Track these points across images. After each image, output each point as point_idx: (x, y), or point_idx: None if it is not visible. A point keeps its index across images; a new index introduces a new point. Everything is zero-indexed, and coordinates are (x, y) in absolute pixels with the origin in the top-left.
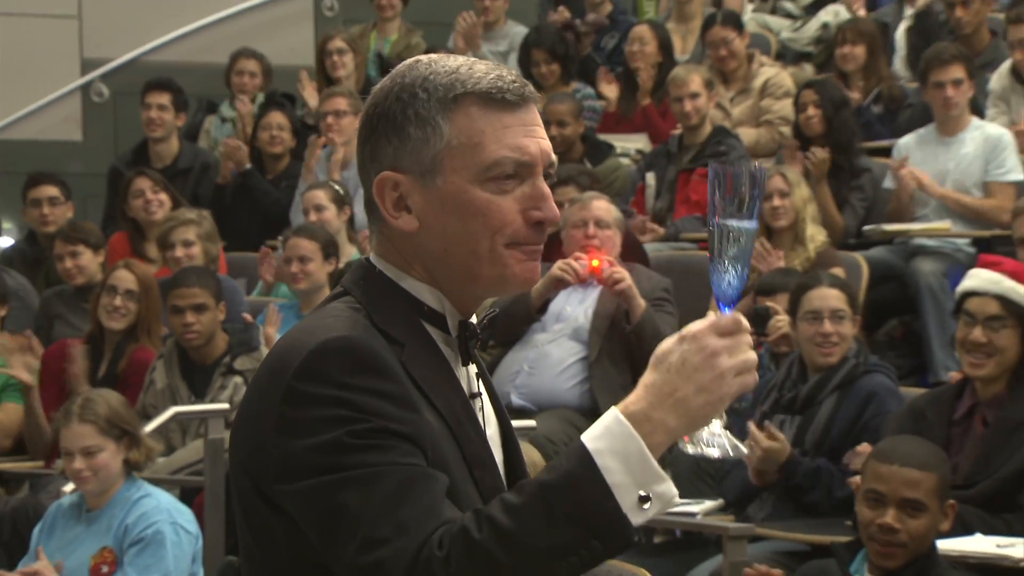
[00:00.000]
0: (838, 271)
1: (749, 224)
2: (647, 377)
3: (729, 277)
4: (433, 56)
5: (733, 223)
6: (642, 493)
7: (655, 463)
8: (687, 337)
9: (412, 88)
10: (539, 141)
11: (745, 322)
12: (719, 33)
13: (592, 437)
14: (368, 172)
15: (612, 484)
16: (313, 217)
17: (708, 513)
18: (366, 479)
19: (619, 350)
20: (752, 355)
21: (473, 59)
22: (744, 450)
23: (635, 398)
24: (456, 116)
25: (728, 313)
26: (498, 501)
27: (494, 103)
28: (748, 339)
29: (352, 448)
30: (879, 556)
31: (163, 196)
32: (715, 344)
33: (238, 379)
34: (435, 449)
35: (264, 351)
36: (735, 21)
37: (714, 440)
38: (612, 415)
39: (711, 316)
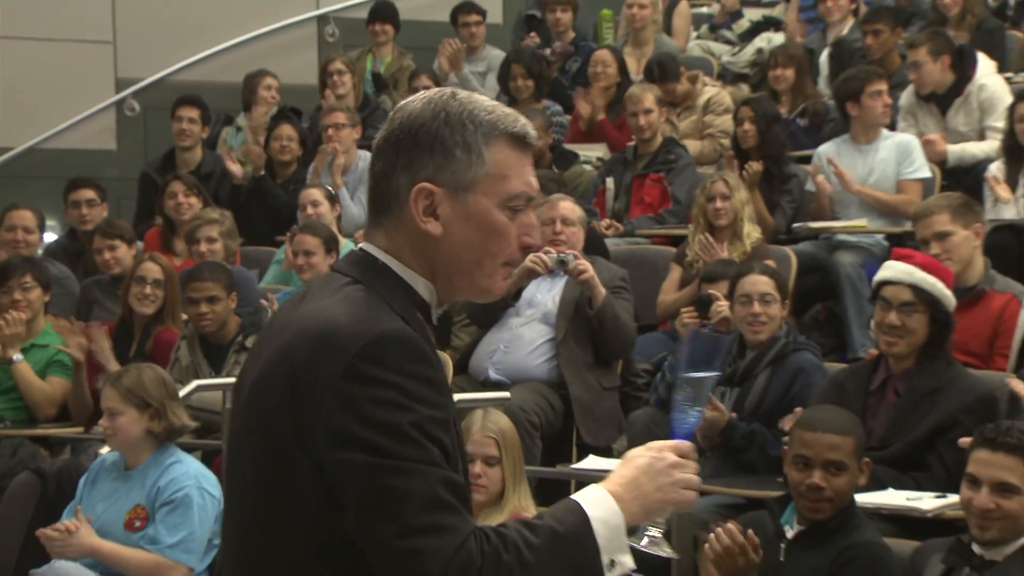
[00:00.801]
0: (770, 263)
1: (713, 373)
2: (619, 469)
3: (689, 418)
4: (465, 92)
5: (700, 375)
6: (612, 558)
7: (626, 538)
8: (654, 448)
9: (460, 118)
10: (536, 180)
11: (695, 452)
12: (660, 89)
13: (589, 504)
14: (397, 176)
15: (600, 547)
16: (310, 211)
17: None
18: (413, 472)
19: (583, 332)
20: (696, 478)
21: (495, 102)
22: (675, 555)
23: (612, 483)
24: (493, 149)
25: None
26: (518, 535)
27: (521, 144)
28: (696, 466)
29: (407, 439)
30: (809, 511)
31: (193, 199)
32: (675, 459)
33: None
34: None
35: None
36: (672, 74)
37: (657, 541)
38: (601, 491)
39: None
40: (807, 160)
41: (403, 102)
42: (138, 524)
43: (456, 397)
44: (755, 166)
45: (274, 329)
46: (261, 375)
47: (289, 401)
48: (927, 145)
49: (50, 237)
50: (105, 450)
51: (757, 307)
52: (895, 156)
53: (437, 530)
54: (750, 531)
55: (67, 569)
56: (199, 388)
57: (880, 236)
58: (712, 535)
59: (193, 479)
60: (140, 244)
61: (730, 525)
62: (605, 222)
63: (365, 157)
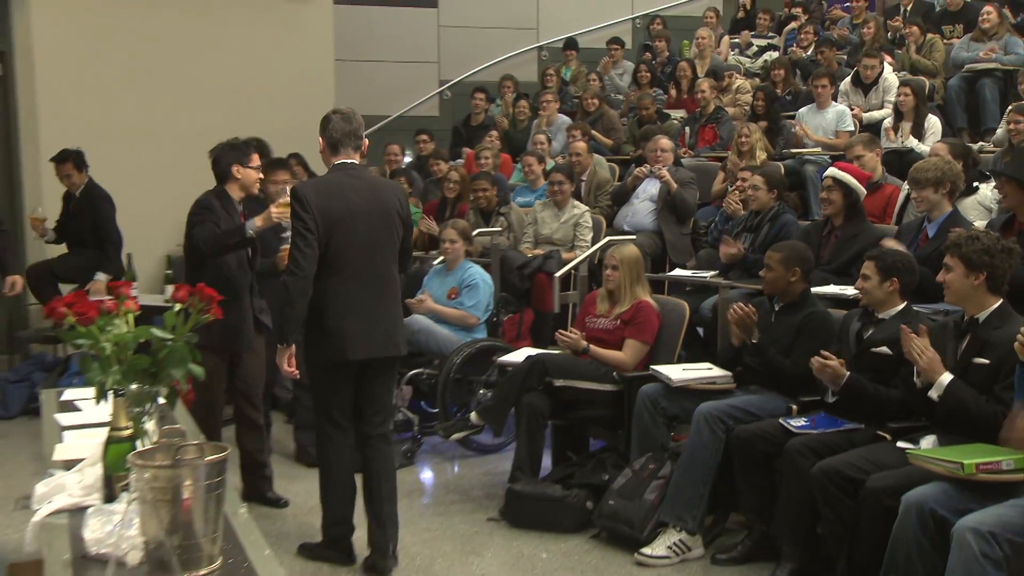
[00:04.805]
0: (771, 169)
1: None
2: None
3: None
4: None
5: None
6: None
7: None
8: None
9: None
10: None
11: None
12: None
13: None
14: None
15: None
16: (538, 146)
17: (712, 277)
18: None
19: (670, 205)
20: None
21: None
22: None
23: None
24: None
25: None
26: None
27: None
28: None
29: None
30: (764, 289)
31: (498, 143)
32: None
33: (502, 218)
34: None
35: (513, 205)
36: (720, 76)
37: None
38: None
39: None
40: (792, 117)
41: None
42: (453, 297)
43: (607, 239)
44: (763, 124)
45: (370, 187)
46: (390, 205)
47: (403, 212)
48: (855, 114)
49: (407, 159)
50: (436, 261)
51: (750, 191)
52: (836, 117)
53: None
54: (750, 304)
55: (419, 319)
56: (479, 234)
57: (827, 156)
58: (731, 308)
59: (479, 273)
60: (452, 161)
61: (740, 302)
62: (683, 150)
63: (561, 117)
